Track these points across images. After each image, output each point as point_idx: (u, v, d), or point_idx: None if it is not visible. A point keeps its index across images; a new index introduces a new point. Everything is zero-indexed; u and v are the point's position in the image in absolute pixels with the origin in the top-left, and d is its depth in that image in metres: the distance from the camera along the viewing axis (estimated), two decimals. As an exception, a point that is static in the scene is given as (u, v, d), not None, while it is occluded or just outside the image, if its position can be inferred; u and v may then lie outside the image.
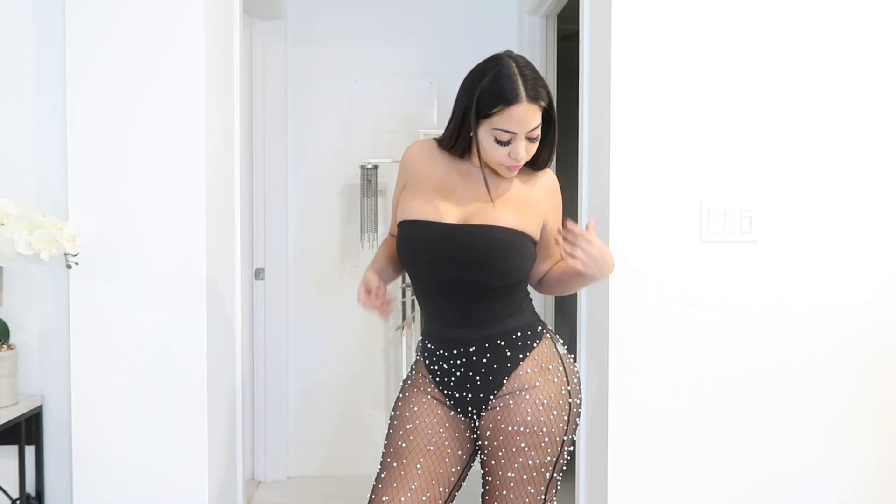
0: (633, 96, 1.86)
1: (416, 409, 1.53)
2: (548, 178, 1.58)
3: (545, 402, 1.47)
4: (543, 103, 1.43)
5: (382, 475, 1.50)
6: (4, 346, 1.81)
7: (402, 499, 1.44)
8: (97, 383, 1.81)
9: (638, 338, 1.88)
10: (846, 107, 1.92)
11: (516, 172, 1.49)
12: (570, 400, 1.50)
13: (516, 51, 3.38)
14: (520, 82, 1.40)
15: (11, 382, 1.80)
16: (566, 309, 4.58)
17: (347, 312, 3.27)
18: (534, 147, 1.46)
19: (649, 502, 1.91)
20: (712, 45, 1.88)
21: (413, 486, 1.46)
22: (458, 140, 1.49)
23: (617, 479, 1.89)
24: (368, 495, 1.52)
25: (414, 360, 1.64)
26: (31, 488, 1.91)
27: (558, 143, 1.57)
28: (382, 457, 1.53)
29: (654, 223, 1.87)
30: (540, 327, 1.55)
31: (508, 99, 1.38)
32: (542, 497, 1.50)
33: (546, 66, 3.11)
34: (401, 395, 1.58)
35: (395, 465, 1.49)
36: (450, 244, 1.46)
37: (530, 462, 1.47)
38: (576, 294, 2.10)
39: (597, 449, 1.97)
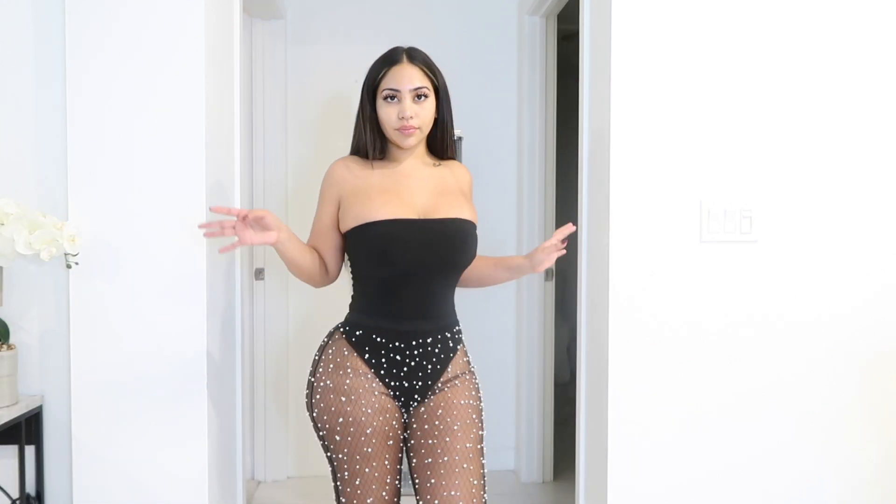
0: (633, 96, 1.86)
1: (369, 411, 1.59)
2: (462, 169, 1.77)
3: (476, 383, 1.70)
4: (420, 65, 1.62)
5: (357, 481, 1.58)
6: (4, 346, 1.81)
7: (384, 494, 1.59)
8: (97, 383, 1.81)
9: (637, 337, 1.88)
10: (846, 106, 1.93)
11: (415, 139, 1.63)
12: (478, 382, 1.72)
13: (516, 51, 3.39)
14: (400, 49, 1.64)
15: (11, 382, 1.80)
16: (566, 310, 4.60)
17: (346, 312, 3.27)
18: (422, 110, 1.61)
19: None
20: (712, 45, 1.88)
21: (388, 480, 1.60)
22: (366, 135, 1.67)
23: (617, 478, 1.89)
24: (339, 498, 1.62)
25: (332, 353, 1.66)
26: (31, 488, 1.91)
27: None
28: (347, 461, 1.59)
29: (654, 223, 1.87)
30: (459, 324, 1.73)
31: (389, 61, 1.62)
32: (483, 471, 1.62)
33: (546, 66, 3.12)
34: (343, 399, 1.60)
35: (367, 469, 1.58)
36: (427, 238, 1.58)
37: (481, 433, 1.64)
38: (575, 294, 2.11)
39: (597, 446, 1.97)
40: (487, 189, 3.17)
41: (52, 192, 1.86)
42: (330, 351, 1.66)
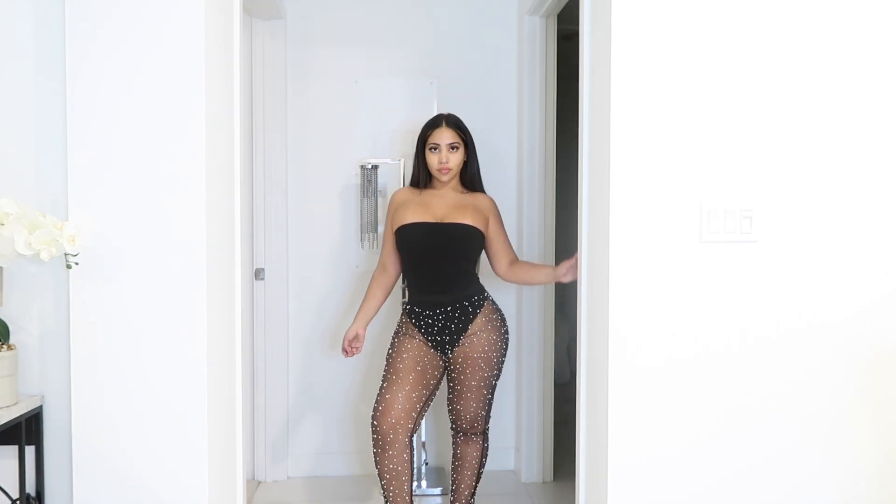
0: (633, 96, 1.86)
1: (408, 346, 2.44)
2: (486, 198, 2.54)
3: (493, 338, 2.45)
4: (454, 128, 2.45)
5: (385, 384, 2.39)
6: (4, 346, 1.81)
7: (400, 395, 2.35)
8: (97, 383, 1.81)
9: (637, 336, 1.88)
10: (846, 105, 1.92)
11: (448, 176, 2.46)
12: (506, 336, 2.49)
13: (516, 51, 3.40)
14: (441, 116, 2.48)
15: (11, 382, 1.80)
16: (566, 310, 4.59)
17: (347, 312, 3.27)
18: (454, 157, 2.44)
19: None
20: (713, 45, 1.88)
21: (406, 388, 2.37)
22: (419, 172, 2.50)
23: (617, 478, 1.89)
24: (377, 396, 2.39)
25: (400, 320, 2.52)
26: (31, 488, 1.91)
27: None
28: (386, 376, 2.41)
29: (654, 223, 1.87)
30: (485, 293, 2.48)
31: (433, 124, 2.47)
32: (490, 398, 2.49)
33: (546, 66, 3.12)
34: (395, 342, 2.47)
35: (394, 377, 2.39)
36: (435, 235, 2.39)
37: (486, 375, 2.45)
38: (575, 295, 2.12)
39: (597, 446, 1.97)
40: (487, 189, 3.16)
41: (52, 192, 1.86)
42: (399, 317, 2.55)
